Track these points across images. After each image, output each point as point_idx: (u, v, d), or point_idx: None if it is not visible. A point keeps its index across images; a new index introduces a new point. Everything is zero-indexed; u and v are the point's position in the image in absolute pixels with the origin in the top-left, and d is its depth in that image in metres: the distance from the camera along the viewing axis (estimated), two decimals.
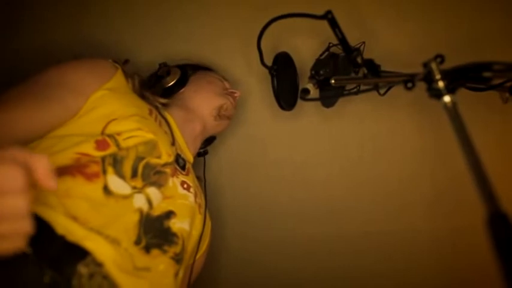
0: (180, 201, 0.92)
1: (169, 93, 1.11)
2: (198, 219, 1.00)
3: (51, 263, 0.63)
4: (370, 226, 1.37)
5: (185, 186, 0.96)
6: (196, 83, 1.15)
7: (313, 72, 0.96)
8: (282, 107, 1.02)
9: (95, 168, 0.77)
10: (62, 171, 0.73)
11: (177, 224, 0.89)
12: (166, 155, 0.91)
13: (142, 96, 1.02)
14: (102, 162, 0.78)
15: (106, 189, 0.76)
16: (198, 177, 1.12)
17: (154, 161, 0.87)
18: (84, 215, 0.71)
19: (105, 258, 0.70)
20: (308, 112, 1.35)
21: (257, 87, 1.36)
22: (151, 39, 1.38)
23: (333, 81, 0.91)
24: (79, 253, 0.67)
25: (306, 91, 0.89)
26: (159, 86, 1.11)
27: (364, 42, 1.03)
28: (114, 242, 0.73)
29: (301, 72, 1.12)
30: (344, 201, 1.38)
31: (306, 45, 1.27)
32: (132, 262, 0.76)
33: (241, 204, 1.43)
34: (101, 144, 0.80)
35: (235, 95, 1.20)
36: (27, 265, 0.61)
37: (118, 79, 0.95)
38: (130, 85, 0.99)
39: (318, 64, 1.00)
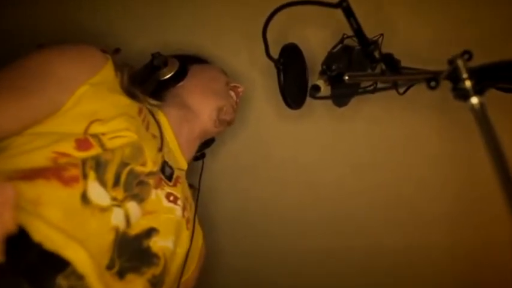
0: (164, 216, 0.90)
1: (166, 86, 1.09)
2: (185, 235, 0.98)
3: (27, 274, 0.62)
4: (381, 239, 1.37)
5: (171, 198, 0.94)
6: (197, 77, 1.13)
7: (324, 66, 0.94)
8: (289, 105, 1.01)
9: (74, 171, 0.74)
10: (35, 174, 0.71)
11: (158, 243, 0.87)
12: (151, 163, 0.89)
13: (131, 94, 0.99)
14: (82, 165, 0.76)
15: (84, 197, 0.74)
16: (190, 186, 1.11)
17: (138, 168, 0.85)
18: (59, 225, 0.70)
19: (87, 271, 0.69)
20: (317, 111, 1.34)
21: (261, 83, 1.36)
22: (144, 26, 1.38)
23: (346, 77, 0.90)
24: (58, 263, 0.66)
25: (317, 88, 0.87)
26: (154, 78, 1.08)
27: (382, 35, 1.02)
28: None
29: (311, 66, 1.12)
30: (354, 210, 1.38)
31: (317, 37, 1.26)
32: (108, 281, 0.74)
33: (241, 212, 1.43)
34: (82, 144, 0.78)
35: (239, 89, 1.19)
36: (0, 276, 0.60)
37: (106, 72, 0.92)
38: (118, 79, 0.96)
39: (330, 58, 0.99)
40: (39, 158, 0.74)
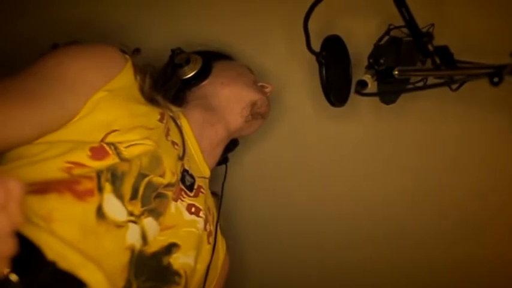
0: (185, 230, 0.88)
1: (188, 86, 1.06)
2: (206, 249, 0.96)
3: None
4: (439, 249, 1.32)
5: (193, 210, 0.92)
6: (223, 74, 1.09)
7: (371, 60, 0.92)
8: (332, 103, 0.98)
9: (89, 184, 0.72)
10: (48, 187, 0.69)
11: (180, 259, 0.85)
12: (170, 174, 0.86)
13: (152, 99, 0.95)
14: (97, 177, 0.73)
15: (99, 212, 0.72)
16: (213, 193, 1.08)
17: (157, 180, 0.82)
18: (74, 243, 0.68)
19: None
20: (361, 109, 1.29)
21: (297, 78, 1.32)
22: (162, 21, 1.35)
23: (396, 72, 0.87)
24: (73, 284, 0.64)
25: (363, 84, 0.85)
26: (177, 77, 1.05)
27: (433, 25, 0.98)
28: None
29: (355, 60, 1.08)
30: (403, 221, 1.33)
31: (361, 28, 1.22)
32: None
33: (269, 223, 1.41)
34: (97, 152, 0.76)
35: (267, 89, 1.16)
36: None
37: (125, 76, 0.89)
38: (137, 83, 0.93)
39: (377, 51, 0.97)
40: (52, 169, 0.72)
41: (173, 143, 0.93)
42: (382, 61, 0.91)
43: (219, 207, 1.08)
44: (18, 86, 0.77)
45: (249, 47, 1.31)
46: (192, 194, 0.94)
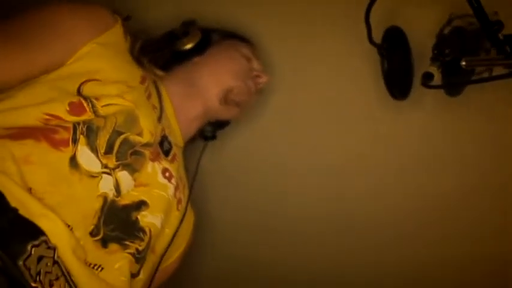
0: (156, 192, 0.90)
1: (178, 59, 1.06)
2: (174, 216, 0.98)
3: None
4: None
5: (167, 174, 0.94)
6: (214, 55, 1.09)
7: (435, 51, 0.90)
8: (394, 95, 0.97)
9: (65, 134, 0.76)
10: (25, 133, 0.73)
11: (147, 218, 0.87)
12: (148, 134, 0.89)
13: (138, 61, 0.99)
14: (73, 129, 0.77)
15: (73, 161, 0.76)
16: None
17: (134, 138, 0.86)
18: (41, 188, 0.71)
19: (60, 243, 0.70)
20: (424, 102, 1.22)
21: (357, 71, 1.28)
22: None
23: (464, 63, 0.85)
24: (31, 231, 0.67)
25: (430, 76, 0.84)
26: (170, 47, 1.06)
27: (496, 12, 0.92)
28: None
29: (415, 51, 1.05)
30: (466, 218, 1.28)
31: (420, 18, 1.18)
32: (83, 255, 0.75)
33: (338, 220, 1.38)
34: (75, 108, 0.79)
35: (260, 80, 1.14)
36: None
37: (114, 34, 0.93)
38: (128, 44, 0.97)
39: (441, 41, 0.94)
40: (30, 119, 0.76)
41: (153, 106, 0.96)
42: (447, 52, 0.89)
43: (192, 182, 1.09)
44: (11, 28, 0.82)
45: (311, 38, 1.27)
46: (168, 159, 0.98)
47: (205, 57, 1.07)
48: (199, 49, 1.07)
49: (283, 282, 1.44)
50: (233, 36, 1.16)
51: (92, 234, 0.77)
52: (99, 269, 0.78)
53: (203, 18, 1.15)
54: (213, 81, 1.06)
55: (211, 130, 1.19)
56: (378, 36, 1.00)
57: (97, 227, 0.77)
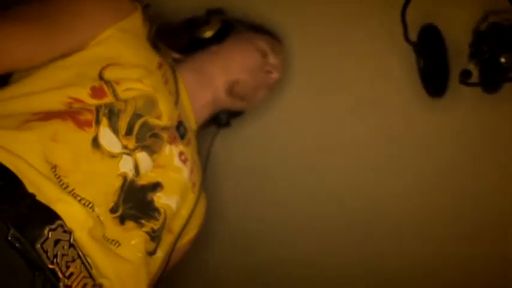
0: (172, 174, 0.93)
1: (195, 46, 1.09)
2: (190, 198, 1.00)
3: (16, 222, 0.66)
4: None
5: (182, 158, 0.97)
6: (230, 46, 1.10)
7: (473, 49, 0.90)
8: (430, 94, 0.97)
9: (88, 116, 0.80)
10: (51, 115, 0.77)
11: (162, 199, 0.90)
12: (166, 117, 0.92)
13: (156, 46, 1.01)
14: (96, 111, 0.81)
15: (95, 142, 0.79)
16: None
17: (153, 121, 0.89)
18: (65, 165, 0.75)
19: (76, 226, 0.73)
20: (460, 100, 1.20)
21: (392, 69, 1.28)
22: None
23: (503, 59, 0.85)
24: (48, 216, 0.70)
25: (468, 73, 0.84)
26: (189, 33, 1.09)
27: None
28: (88, 206, 0.76)
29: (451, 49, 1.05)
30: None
31: (456, 16, 1.18)
32: (102, 231, 0.78)
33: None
34: (97, 92, 0.83)
35: (272, 75, 1.14)
36: None
37: (133, 20, 0.95)
38: (145, 30, 0.99)
39: (479, 38, 0.93)
40: (54, 103, 0.80)
41: (170, 91, 0.99)
42: (485, 49, 0.89)
43: (204, 166, 1.11)
44: (35, 12, 0.85)
45: (347, 37, 1.27)
46: (184, 143, 1.00)
47: (221, 47, 1.09)
48: (217, 39, 1.09)
49: (291, 272, 1.46)
50: (256, 29, 1.17)
51: (112, 211, 0.80)
52: (117, 244, 0.81)
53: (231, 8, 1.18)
54: (222, 72, 1.09)
55: (225, 118, 1.21)
56: (413, 35, 1.00)
57: (116, 205, 0.81)
